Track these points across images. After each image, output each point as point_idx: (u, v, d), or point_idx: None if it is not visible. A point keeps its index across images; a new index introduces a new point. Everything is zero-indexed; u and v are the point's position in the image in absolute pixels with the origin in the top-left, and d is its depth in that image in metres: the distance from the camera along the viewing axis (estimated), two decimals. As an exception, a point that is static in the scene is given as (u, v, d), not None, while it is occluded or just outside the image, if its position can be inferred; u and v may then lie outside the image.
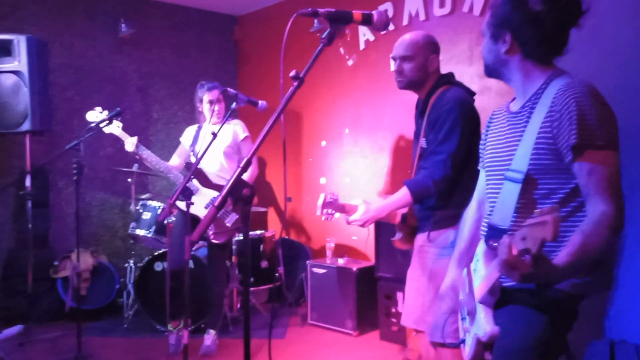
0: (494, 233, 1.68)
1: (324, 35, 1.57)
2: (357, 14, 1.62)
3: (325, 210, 2.56)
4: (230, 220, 3.73)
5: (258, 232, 4.79)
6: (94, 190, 5.07)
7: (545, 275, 1.42)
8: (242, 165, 1.45)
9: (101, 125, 3.58)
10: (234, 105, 3.03)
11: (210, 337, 3.86)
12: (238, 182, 1.45)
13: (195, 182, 3.79)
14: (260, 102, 3.14)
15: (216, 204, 1.42)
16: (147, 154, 3.69)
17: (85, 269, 4.51)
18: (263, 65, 5.70)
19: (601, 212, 1.50)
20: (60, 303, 4.46)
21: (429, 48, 2.55)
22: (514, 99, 1.86)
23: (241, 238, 4.55)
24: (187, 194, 2.84)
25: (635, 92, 2.66)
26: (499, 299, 1.68)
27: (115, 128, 3.69)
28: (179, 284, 3.65)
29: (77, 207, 3.49)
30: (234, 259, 4.41)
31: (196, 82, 5.59)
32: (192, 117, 5.71)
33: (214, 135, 2.84)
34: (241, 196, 1.46)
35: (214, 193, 3.79)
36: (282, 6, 5.47)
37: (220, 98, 3.81)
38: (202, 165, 3.83)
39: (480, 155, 2.01)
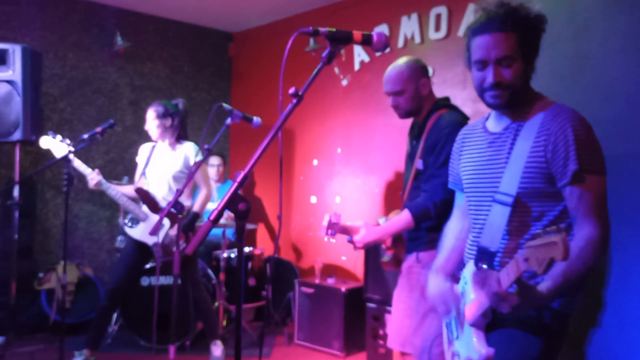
0: (484, 255, 1.69)
1: (324, 54, 1.58)
2: (357, 34, 1.62)
3: (329, 231, 2.55)
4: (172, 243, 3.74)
5: (247, 249, 4.76)
6: (82, 202, 5.02)
7: (533, 304, 1.46)
8: (239, 180, 1.45)
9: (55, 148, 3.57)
10: (228, 121, 3.02)
11: (217, 347, 3.84)
12: (234, 197, 1.44)
13: (144, 208, 3.76)
14: (255, 118, 3.14)
15: (212, 218, 1.41)
16: (109, 188, 3.69)
17: (70, 282, 4.44)
18: (257, 83, 5.72)
19: (588, 235, 1.54)
20: (42, 316, 4.39)
21: (417, 74, 2.57)
22: (487, 117, 1.86)
23: (230, 255, 4.52)
24: (178, 208, 2.81)
25: (621, 122, 2.69)
26: (490, 321, 1.68)
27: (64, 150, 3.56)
28: (115, 304, 3.81)
29: (66, 219, 3.45)
30: (221, 275, 4.38)
31: (189, 97, 5.67)
32: (183, 131, 5.71)
33: None
34: (237, 211, 1.46)
35: (164, 219, 3.73)
36: (277, 25, 5.52)
37: (153, 117, 3.76)
38: (151, 189, 3.79)
39: (451, 173, 2.01)
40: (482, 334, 1.65)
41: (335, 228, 2.56)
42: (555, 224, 1.63)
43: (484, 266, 1.63)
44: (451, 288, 1.85)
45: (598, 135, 1.64)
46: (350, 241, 2.54)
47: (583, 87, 2.81)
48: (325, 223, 2.54)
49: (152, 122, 3.78)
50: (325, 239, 2.56)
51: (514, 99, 1.68)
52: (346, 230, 2.59)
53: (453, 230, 2.01)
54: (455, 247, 1.96)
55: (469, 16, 3.86)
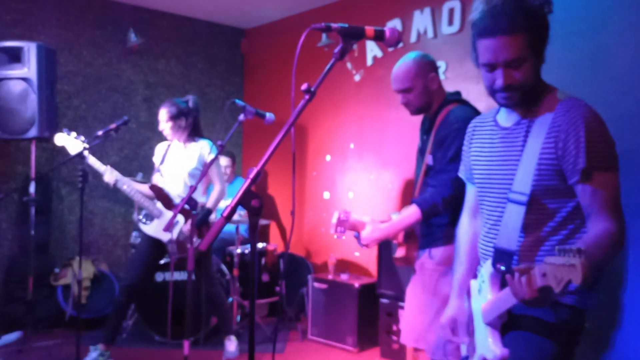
0: (501, 256, 1.67)
1: (336, 50, 1.57)
2: (369, 29, 1.61)
3: (338, 229, 2.54)
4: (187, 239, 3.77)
5: (260, 245, 4.77)
6: (97, 198, 5.06)
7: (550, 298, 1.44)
8: (252, 176, 1.46)
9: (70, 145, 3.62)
10: (241, 117, 3.02)
11: (231, 342, 3.89)
12: (247, 193, 1.45)
13: (159, 205, 3.78)
14: (267, 114, 3.14)
15: (225, 214, 1.41)
16: (124, 184, 3.74)
17: (85, 277, 4.49)
18: (270, 79, 5.72)
19: (604, 227, 1.52)
20: (59, 310, 4.44)
21: (425, 70, 2.54)
22: (498, 110, 1.82)
23: (244, 251, 4.54)
24: (192, 204, 2.83)
25: (639, 116, 2.65)
26: (505, 322, 1.67)
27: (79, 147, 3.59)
28: (130, 300, 3.83)
29: (81, 215, 3.49)
30: (235, 271, 4.40)
31: (202, 93, 5.69)
32: (198, 129, 5.74)
33: None
34: (250, 207, 1.46)
35: (178, 216, 3.75)
36: (289, 21, 5.51)
37: (166, 118, 3.76)
38: (166, 186, 3.81)
39: (463, 165, 1.98)
40: (498, 334, 1.64)
41: (345, 225, 2.55)
42: (567, 223, 1.63)
43: (502, 267, 1.62)
44: (462, 308, 1.86)
45: (615, 129, 1.61)
46: (357, 237, 2.53)
47: (600, 80, 2.77)
48: (334, 221, 2.53)
49: (165, 123, 3.79)
50: (335, 236, 2.56)
51: (525, 98, 1.65)
52: (355, 227, 2.58)
53: (467, 235, 1.97)
54: (473, 258, 1.92)
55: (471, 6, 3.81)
